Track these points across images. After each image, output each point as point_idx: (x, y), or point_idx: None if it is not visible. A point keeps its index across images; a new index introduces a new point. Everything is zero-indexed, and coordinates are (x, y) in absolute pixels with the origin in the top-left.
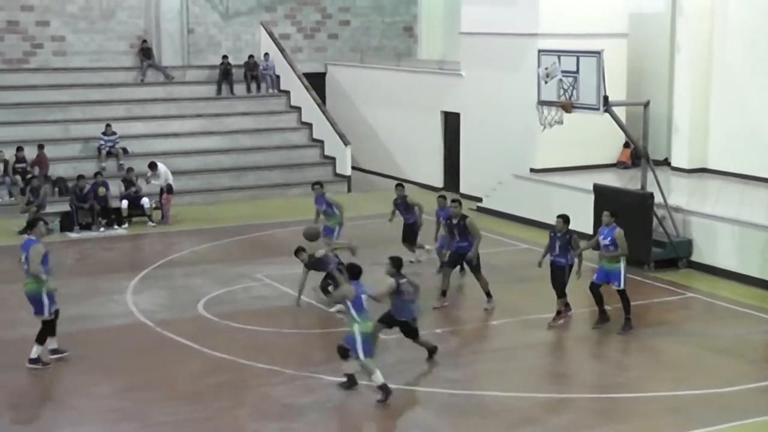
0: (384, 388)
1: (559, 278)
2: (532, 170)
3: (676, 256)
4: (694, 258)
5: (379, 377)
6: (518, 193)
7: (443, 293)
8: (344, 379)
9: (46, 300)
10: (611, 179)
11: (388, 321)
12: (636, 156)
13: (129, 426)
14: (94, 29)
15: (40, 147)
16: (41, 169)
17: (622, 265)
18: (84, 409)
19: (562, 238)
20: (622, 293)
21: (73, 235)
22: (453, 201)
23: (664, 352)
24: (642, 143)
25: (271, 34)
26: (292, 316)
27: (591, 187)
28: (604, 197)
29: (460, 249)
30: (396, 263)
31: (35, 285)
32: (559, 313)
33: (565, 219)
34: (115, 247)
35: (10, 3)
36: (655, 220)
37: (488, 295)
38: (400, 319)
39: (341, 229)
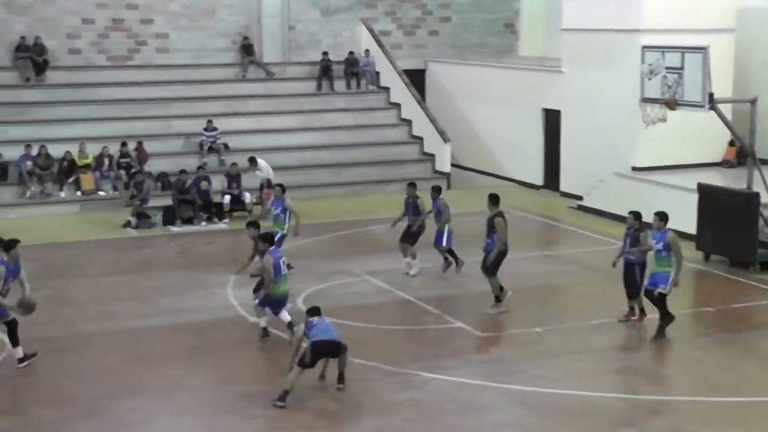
0: (265, 331)
1: (630, 277)
2: (633, 168)
3: None
4: None
5: (263, 322)
6: (619, 192)
7: (497, 299)
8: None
9: None
10: (716, 178)
11: (320, 352)
12: (742, 154)
13: (227, 418)
14: (195, 27)
15: (140, 143)
16: (140, 162)
17: (673, 270)
18: (183, 401)
19: (633, 235)
20: (661, 298)
21: (175, 228)
22: (490, 197)
23: None
24: (748, 141)
25: (371, 31)
26: (389, 312)
27: (695, 186)
28: (708, 197)
29: (488, 246)
30: (311, 312)
31: None
32: (632, 309)
33: (635, 215)
34: (216, 241)
35: (115, 1)
36: (761, 221)
37: (497, 299)
38: (326, 338)
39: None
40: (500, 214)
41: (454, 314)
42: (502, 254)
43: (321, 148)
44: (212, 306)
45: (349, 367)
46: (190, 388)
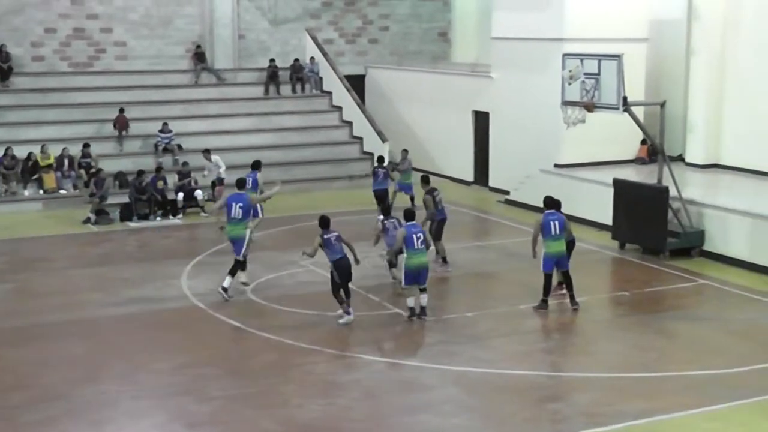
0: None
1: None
2: (556, 165)
3: (689, 245)
4: (706, 247)
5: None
6: (544, 187)
7: (444, 260)
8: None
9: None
10: (630, 174)
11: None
12: (653, 152)
13: (186, 399)
14: (153, 35)
15: (121, 111)
16: (121, 127)
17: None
18: (145, 384)
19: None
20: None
21: (132, 224)
22: (422, 178)
23: (679, 335)
24: (658, 140)
25: (315, 39)
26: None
27: (611, 181)
28: (623, 190)
29: (436, 217)
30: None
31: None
32: (560, 284)
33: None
34: (171, 236)
35: (77, 11)
36: (670, 212)
37: (444, 260)
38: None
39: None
40: (429, 192)
41: (392, 301)
42: (441, 222)
43: (271, 148)
44: (168, 296)
45: (296, 351)
46: (151, 372)
